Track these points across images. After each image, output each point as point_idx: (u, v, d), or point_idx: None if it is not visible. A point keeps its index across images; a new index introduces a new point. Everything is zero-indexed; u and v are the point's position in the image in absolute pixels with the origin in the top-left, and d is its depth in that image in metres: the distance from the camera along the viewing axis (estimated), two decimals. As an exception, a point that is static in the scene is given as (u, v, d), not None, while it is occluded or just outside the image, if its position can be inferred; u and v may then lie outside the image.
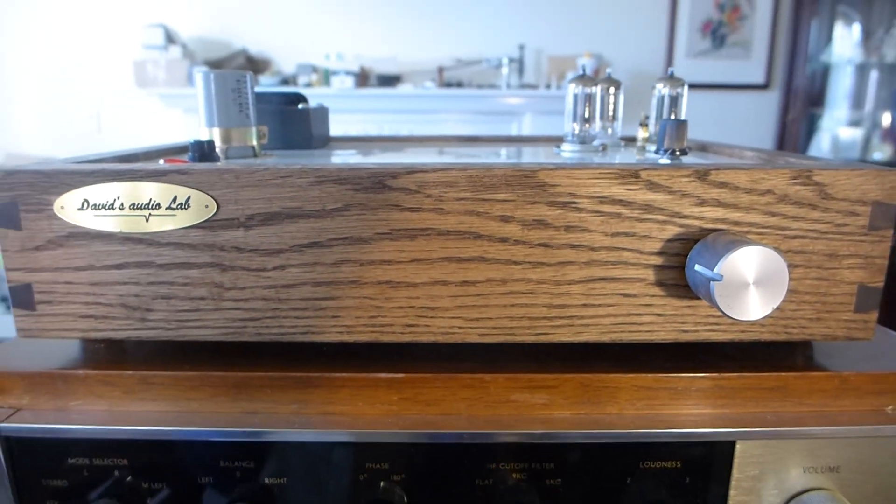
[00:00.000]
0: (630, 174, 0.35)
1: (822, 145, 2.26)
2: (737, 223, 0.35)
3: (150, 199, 0.35)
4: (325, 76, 2.29)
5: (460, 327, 0.37)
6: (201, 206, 0.35)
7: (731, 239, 0.33)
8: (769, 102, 2.34)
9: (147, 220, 0.35)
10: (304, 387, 0.38)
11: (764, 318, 0.34)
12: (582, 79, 0.53)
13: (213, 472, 0.37)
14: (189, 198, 0.35)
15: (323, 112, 0.62)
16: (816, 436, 0.37)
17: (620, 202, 0.35)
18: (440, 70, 2.33)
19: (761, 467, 0.37)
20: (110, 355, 0.39)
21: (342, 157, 0.50)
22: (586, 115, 0.53)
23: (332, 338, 0.37)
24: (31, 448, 0.37)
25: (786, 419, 0.37)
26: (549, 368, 0.38)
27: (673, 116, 0.54)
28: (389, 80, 2.33)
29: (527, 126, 2.35)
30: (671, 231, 0.35)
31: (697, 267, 0.34)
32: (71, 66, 2.28)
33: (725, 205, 0.35)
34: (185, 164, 0.36)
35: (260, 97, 0.57)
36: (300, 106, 0.57)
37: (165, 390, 0.38)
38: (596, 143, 0.55)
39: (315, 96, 2.25)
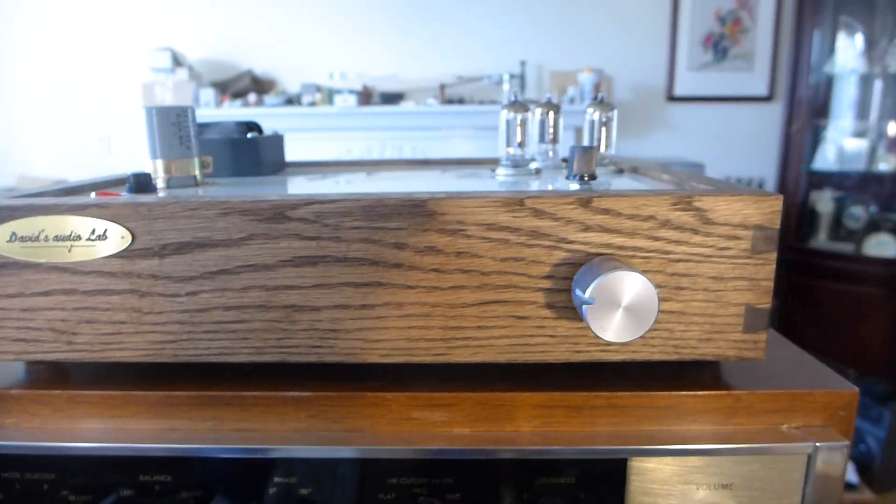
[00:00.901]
0: (515, 202, 0.37)
1: (827, 156, 2.24)
2: (621, 248, 0.37)
3: (72, 232, 0.38)
4: (329, 95, 2.34)
5: (362, 348, 0.39)
6: (118, 237, 0.38)
7: (610, 265, 0.35)
8: (773, 114, 2.33)
9: (70, 251, 0.38)
10: (219, 405, 0.40)
11: (646, 338, 0.35)
12: (514, 105, 0.55)
13: (135, 486, 0.40)
14: (106, 230, 0.38)
15: (277, 139, 0.65)
16: (709, 453, 0.38)
17: (507, 229, 0.37)
18: (442, 87, 2.36)
19: (655, 483, 0.38)
20: (43, 375, 0.42)
21: (273, 186, 0.52)
22: (519, 140, 0.55)
23: (244, 359, 0.40)
24: (-33, 462, 0.40)
25: (679, 437, 0.39)
26: (449, 387, 0.40)
27: (604, 140, 0.56)
28: (392, 98, 2.37)
29: (528, 141, 2.36)
30: (559, 256, 0.37)
31: (577, 291, 0.35)
32: (80, 89, 2.37)
33: (609, 230, 0.37)
34: (104, 198, 0.39)
35: (212, 127, 0.60)
36: (249, 135, 0.59)
37: (91, 408, 0.40)
38: (531, 167, 0.56)
39: (318, 115, 2.30)
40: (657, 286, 0.38)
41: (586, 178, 0.44)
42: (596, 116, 0.55)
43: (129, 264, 0.38)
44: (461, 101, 2.39)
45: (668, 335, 0.38)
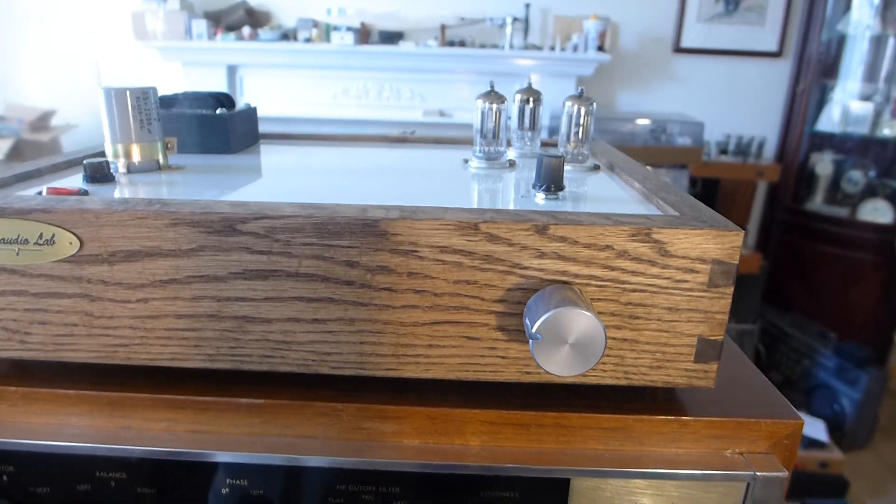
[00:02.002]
0: (470, 226, 0.36)
1: (831, 117, 2.20)
2: (576, 276, 0.37)
3: (19, 235, 0.37)
4: (326, 31, 2.26)
5: (314, 360, 0.39)
6: (66, 243, 0.37)
7: (560, 299, 0.34)
8: (780, 72, 2.26)
9: (17, 255, 0.38)
10: (173, 407, 0.40)
11: (597, 364, 0.35)
12: (489, 95, 0.53)
13: (91, 481, 0.41)
14: (53, 235, 0.37)
15: (249, 113, 0.63)
16: (651, 476, 0.39)
17: (461, 252, 0.36)
18: (443, 28, 2.28)
19: (596, 503, 0.39)
20: (1, 369, 0.42)
21: (237, 173, 0.51)
22: (494, 132, 0.54)
23: (196, 364, 0.40)
24: (-75, 453, 0.41)
25: (623, 458, 0.39)
26: (400, 400, 0.40)
27: (583, 134, 0.54)
28: (391, 37, 2.30)
29: (528, 89, 2.31)
30: (512, 281, 0.37)
31: (526, 321, 0.35)
32: (70, 17, 2.29)
33: (565, 258, 0.36)
34: (50, 201, 0.38)
35: (180, 101, 0.58)
36: (218, 111, 0.58)
37: (47, 405, 0.41)
38: (505, 159, 0.55)
39: (315, 52, 2.23)
40: (611, 314, 0.37)
41: (553, 189, 0.43)
42: (574, 109, 0.53)
43: (79, 269, 0.38)
44: (462, 44, 2.31)
45: (618, 361, 0.38)
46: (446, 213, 0.37)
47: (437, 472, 0.39)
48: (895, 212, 2.14)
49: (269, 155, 0.60)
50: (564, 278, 0.37)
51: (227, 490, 0.40)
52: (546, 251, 0.36)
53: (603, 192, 0.47)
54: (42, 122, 2.14)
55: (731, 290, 0.37)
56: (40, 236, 0.37)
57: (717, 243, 0.36)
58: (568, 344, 0.34)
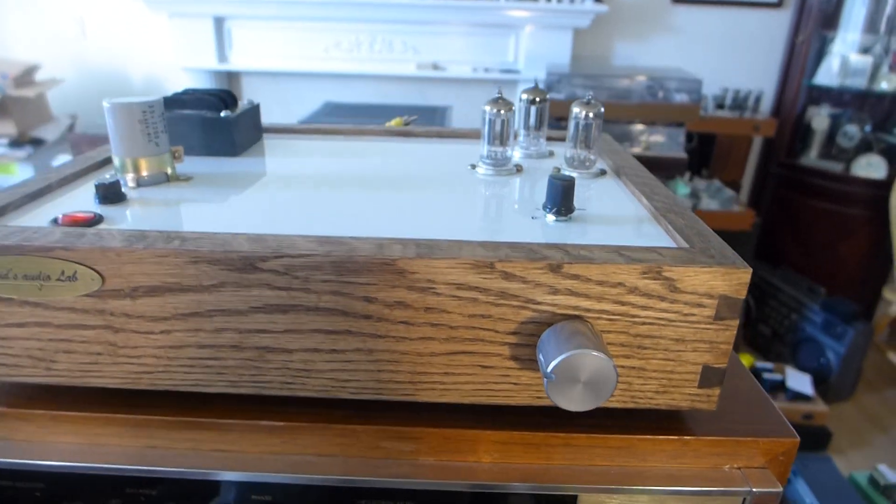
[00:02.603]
0: (485, 265, 0.37)
1: (830, 69, 2.17)
2: (588, 310, 0.38)
3: (41, 272, 0.38)
4: (316, -19, 2.18)
5: (333, 386, 0.41)
6: (88, 279, 0.38)
7: (574, 341, 0.35)
8: (780, 23, 2.22)
9: (40, 290, 0.38)
10: (197, 428, 0.42)
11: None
12: (497, 102, 0.53)
13: (122, 497, 0.43)
14: (76, 272, 0.38)
15: (252, 112, 0.62)
16: (653, 492, 0.41)
17: (477, 289, 0.37)
18: (437, -23, 2.21)
19: (602, 514, 0.42)
20: (26, 393, 0.44)
21: (244, 188, 0.51)
22: (502, 138, 0.54)
23: (219, 390, 0.41)
24: (-40, 473, 0.42)
25: (627, 475, 0.42)
26: (416, 421, 0.42)
27: (587, 138, 0.54)
28: (383, -13, 2.22)
29: (525, 42, 2.26)
30: (526, 315, 0.38)
31: (541, 356, 0.37)
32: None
33: (577, 294, 0.37)
34: (70, 238, 0.38)
35: (185, 101, 0.57)
36: (223, 114, 0.57)
37: (75, 426, 0.42)
38: (511, 164, 0.55)
39: (305, 2, 2.16)
40: (620, 345, 0.39)
41: (563, 212, 0.44)
42: (582, 115, 0.53)
43: (101, 303, 0.39)
44: (456, -7, 2.24)
45: (626, 387, 0.40)
46: (462, 251, 0.37)
47: (450, 490, 0.41)
48: (889, 167, 2.15)
49: (274, 157, 0.60)
50: (576, 312, 0.38)
51: (252, 504, 0.42)
52: (559, 288, 0.37)
53: (611, 209, 0.48)
54: (27, 76, 2.09)
55: (736, 321, 0.38)
56: (62, 273, 0.38)
57: (726, 280, 0.37)
58: (581, 383, 0.35)
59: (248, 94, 2.42)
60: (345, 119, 1.93)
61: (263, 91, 2.40)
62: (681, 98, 1.93)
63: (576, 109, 0.53)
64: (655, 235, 0.43)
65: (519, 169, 0.56)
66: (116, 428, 0.42)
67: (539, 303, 0.37)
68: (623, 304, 0.38)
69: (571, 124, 0.54)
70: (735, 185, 2.32)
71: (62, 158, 1.94)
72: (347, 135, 0.69)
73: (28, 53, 2.26)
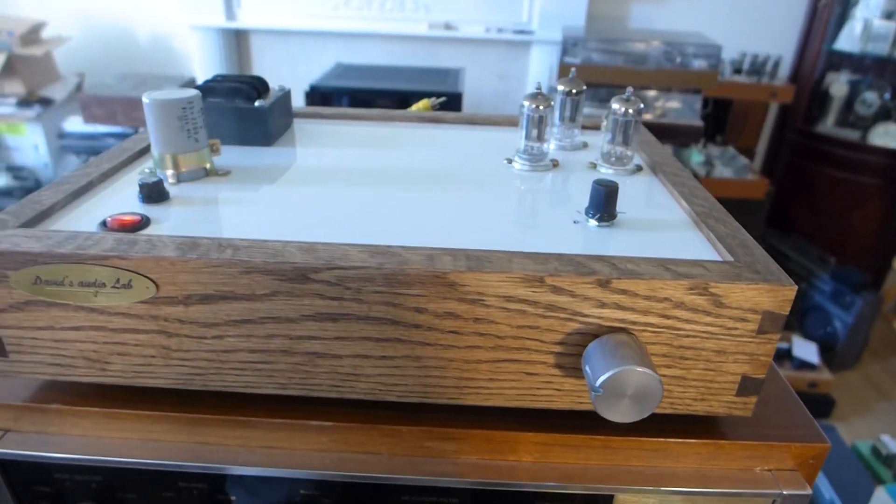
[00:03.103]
0: (535, 279, 0.37)
1: (852, 34, 2.12)
2: (634, 323, 0.38)
3: (96, 279, 0.38)
4: (326, -64, 2.12)
5: (380, 389, 0.42)
6: (142, 287, 0.39)
7: (619, 352, 0.36)
8: (804, -15, 2.16)
9: (96, 296, 0.39)
10: (247, 427, 0.43)
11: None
12: (536, 97, 0.52)
13: (174, 490, 0.44)
14: (130, 280, 0.38)
15: (284, 99, 0.62)
16: (687, 494, 0.43)
17: (525, 301, 0.38)
18: (450, -67, 2.14)
19: (637, 512, 0.43)
20: (81, 391, 0.45)
21: (281, 185, 0.51)
22: (540, 134, 0.54)
23: (269, 391, 0.42)
24: (20, 466, 0.44)
25: (662, 476, 0.43)
26: (459, 423, 0.43)
27: (625, 135, 0.54)
28: (395, -57, 2.16)
29: (539, 1, 2.21)
30: (572, 326, 0.39)
31: (587, 369, 0.38)
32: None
33: (624, 308, 0.38)
34: (123, 245, 0.39)
35: (216, 89, 0.57)
36: (257, 104, 0.57)
37: (128, 423, 0.44)
38: (547, 160, 0.55)
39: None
40: (662, 355, 0.40)
41: (605, 218, 0.44)
42: (621, 112, 0.53)
43: (155, 309, 0.39)
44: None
45: (666, 395, 0.41)
46: (512, 264, 0.38)
47: (492, 489, 0.43)
48: (906, 136, 2.12)
49: (306, 148, 0.60)
50: (622, 325, 0.39)
51: (300, 500, 0.44)
52: (607, 302, 0.38)
53: (651, 212, 0.48)
54: (33, 34, 2.05)
55: (778, 335, 0.39)
56: (117, 281, 0.39)
57: (771, 296, 0.37)
58: (627, 397, 0.36)
59: (257, 54, 2.38)
60: (357, 80, 1.91)
61: (272, 51, 2.36)
62: (699, 64, 1.89)
63: (615, 105, 0.53)
64: (699, 245, 0.43)
65: (555, 164, 0.56)
66: (168, 425, 0.44)
67: (586, 315, 0.38)
68: (668, 317, 0.38)
69: (610, 120, 0.54)
70: (749, 153, 2.30)
71: (73, 120, 1.92)
72: (376, 120, 0.69)
73: (33, 11, 2.22)
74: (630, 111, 0.53)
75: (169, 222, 0.44)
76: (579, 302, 0.38)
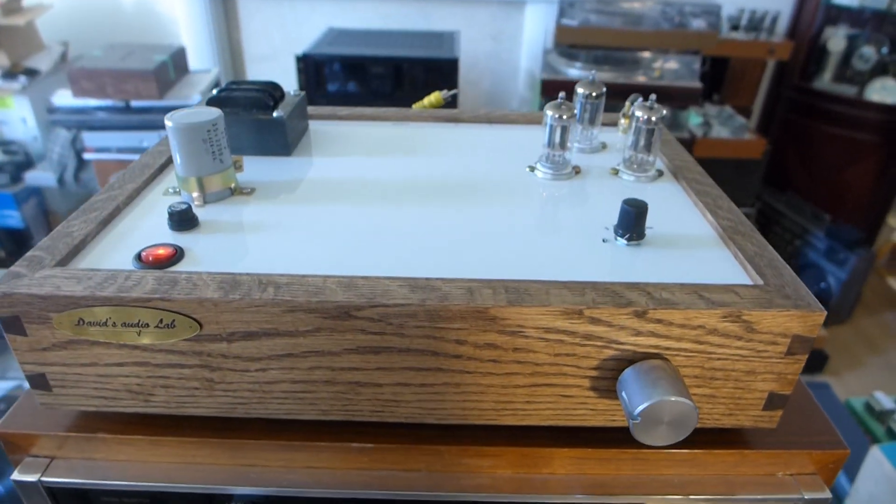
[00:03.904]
0: (574, 311, 0.38)
1: (853, -12, 2.09)
2: (667, 349, 0.40)
3: (140, 320, 0.39)
4: None
5: (420, 413, 0.43)
6: (186, 326, 0.39)
7: (656, 381, 0.38)
8: (805, -63, 2.10)
9: (139, 335, 0.40)
10: (290, 450, 0.45)
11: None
12: (560, 107, 0.52)
13: (220, 508, 0.46)
14: (174, 320, 0.39)
15: (300, 104, 0.61)
16: (713, 501, 0.45)
17: (564, 332, 0.39)
18: None
19: (665, 517, 0.46)
20: (126, 418, 0.46)
21: (304, 201, 0.51)
22: (563, 143, 0.53)
23: (311, 417, 0.43)
24: (69, 492, 0.45)
25: (689, 483, 0.45)
26: (495, 441, 0.45)
27: (645, 143, 0.54)
28: None
29: (535, -41, 2.15)
30: (608, 353, 0.40)
31: (624, 395, 0.39)
32: None
33: (659, 335, 0.39)
34: (165, 286, 0.39)
35: (233, 98, 0.56)
36: (275, 115, 0.56)
37: (173, 448, 0.45)
38: (569, 168, 0.55)
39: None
40: (694, 377, 0.41)
41: (634, 237, 0.45)
42: (643, 119, 0.53)
43: (199, 346, 0.40)
44: None
45: (696, 411, 0.43)
46: (550, 296, 0.39)
47: (526, 502, 0.45)
48: (903, 91, 2.11)
49: (324, 157, 0.59)
50: (657, 351, 0.40)
51: (342, 512, 0.46)
52: (642, 330, 0.39)
53: (678, 227, 0.48)
54: (14, 3, 1.98)
55: (805, 357, 0.40)
56: (160, 321, 0.39)
57: (801, 322, 0.39)
58: (664, 423, 0.38)
59: (245, 17, 2.31)
60: (350, 47, 1.87)
61: (261, 14, 2.29)
62: (698, 24, 1.86)
63: (638, 113, 0.53)
64: (728, 267, 0.44)
65: (577, 170, 0.56)
66: (211, 450, 0.45)
67: (622, 343, 0.39)
68: (701, 342, 0.39)
69: (632, 127, 0.54)
70: (746, 111, 2.29)
71: (62, 94, 1.87)
72: (391, 120, 0.68)
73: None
74: (653, 119, 0.53)
75: (203, 253, 0.44)
76: (616, 331, 0.39)
